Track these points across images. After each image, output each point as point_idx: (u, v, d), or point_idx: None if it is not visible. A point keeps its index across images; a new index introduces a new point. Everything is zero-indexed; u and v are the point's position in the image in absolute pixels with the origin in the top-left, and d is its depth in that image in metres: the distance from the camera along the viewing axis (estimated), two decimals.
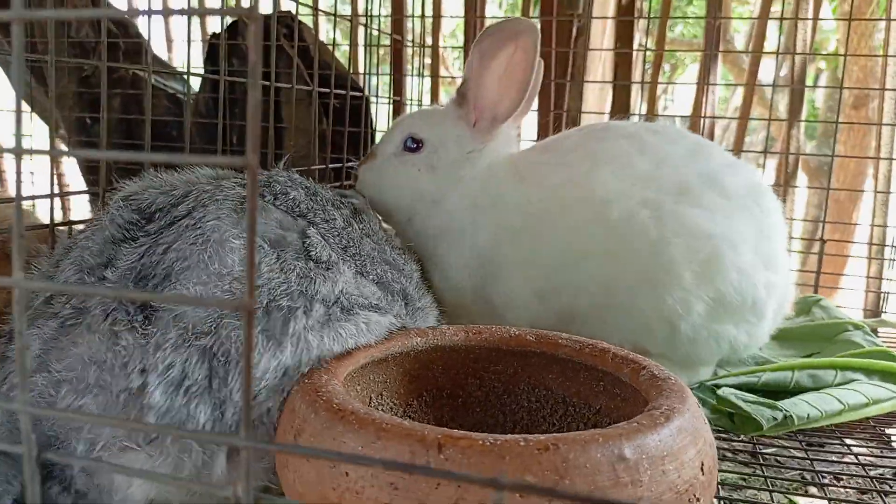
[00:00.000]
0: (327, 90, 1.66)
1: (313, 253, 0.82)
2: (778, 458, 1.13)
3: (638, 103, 2.18)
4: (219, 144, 1.28)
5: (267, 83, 1.43)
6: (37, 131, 2.81)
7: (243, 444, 0.39)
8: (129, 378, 0.71)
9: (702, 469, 0.66)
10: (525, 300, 1.19)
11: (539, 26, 2.10)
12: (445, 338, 0.96)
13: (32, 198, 0.98)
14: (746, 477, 1.06)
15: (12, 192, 0.98)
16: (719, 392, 1.10)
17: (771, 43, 2.19)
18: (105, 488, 0.74)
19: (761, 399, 1.09)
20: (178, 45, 3.11)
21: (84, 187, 2.46)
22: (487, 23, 2.44)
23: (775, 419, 1.06)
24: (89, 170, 2.44)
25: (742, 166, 1.26)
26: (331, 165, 1.68)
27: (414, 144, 1.26)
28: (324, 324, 0.80)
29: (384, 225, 1.27)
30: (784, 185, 2.06)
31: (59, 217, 1.01)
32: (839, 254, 2.65)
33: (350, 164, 1.39)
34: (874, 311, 2.08)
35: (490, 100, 1.23)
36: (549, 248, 1.17)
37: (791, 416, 1.06)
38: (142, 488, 0.74)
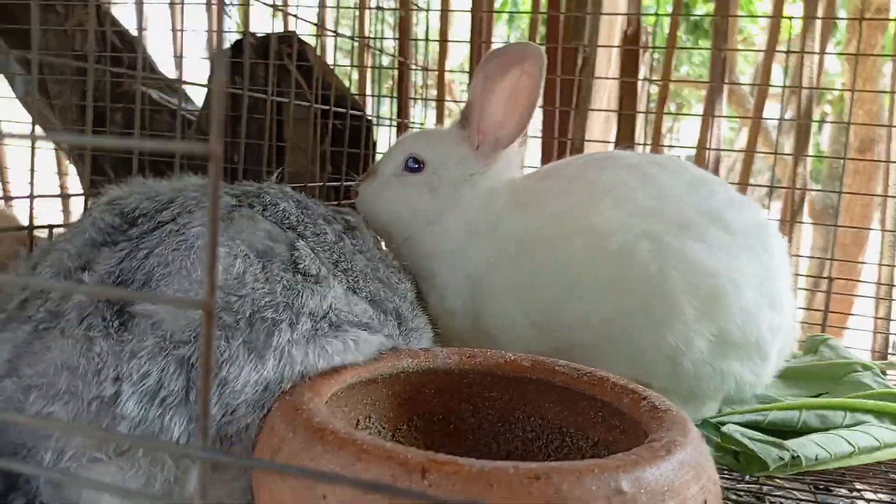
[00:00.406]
0: (327, 108, 1.64)
1: (301, 265, 0.79)
2: (784, 500, 1.08)
3: (643, 134, 2.17)
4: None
5: (261, 95, 1.41)
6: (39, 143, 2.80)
7: (199, 455, 0.35)
8: (102, 386, 0.67)
9: None
10: (520, 328, 1.15)
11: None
12: (438, 360, 0.92)
13: (7, 198, 0.95)
14: None
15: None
16: (724, 429, 1.06)
17: (777, 82, 2.18)
18: (72, 501, 0.70)
19: (768, 438, 1.04)
20: (187, 62, 3.12)
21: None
22: (493, 47, 2.45)
23: (782, 459, 1.01)
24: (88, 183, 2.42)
25: (746, 203, 1.22)
26: (329, 183, 1.65)
27: (416, 165, 1.23)
28: (309, 338, 0.76)
29: (381, 245, 1.24)
30: (790, 220, 2.03)
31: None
32: (847, 293, 2.61)
33: (349, 182, 1.36)
34: (882, 352, 2.04)
35: (494, 123, 1.21)
36: (546, 277, 1.13)
37: (799, 456, 1.01)
38: (111, 502, 0.70)
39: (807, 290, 2.10)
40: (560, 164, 1.32)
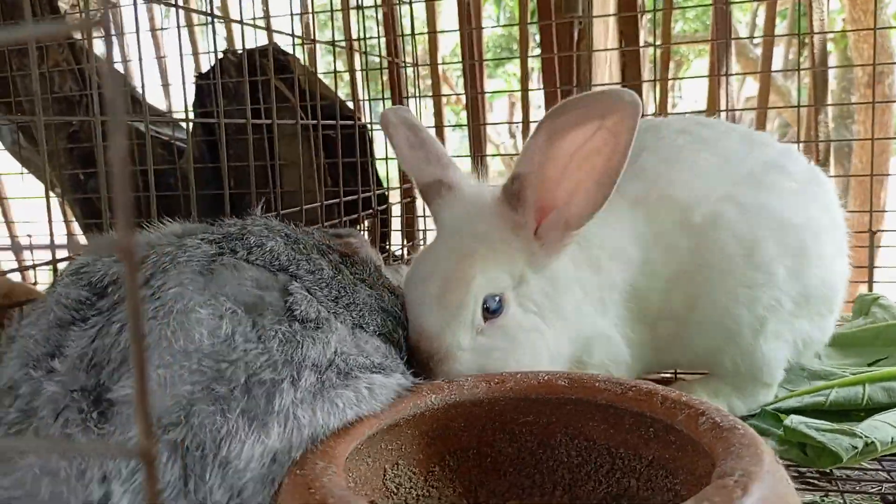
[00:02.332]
0: (314, 122, 1.55)
1: (298, 311, 0.70)
2: (850, 478, 0.99)
3: (651, 102, 2.05)
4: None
5: (257, 121, 1.32)
6: (34, 191, 2.76)
7: None
8: (88, 490, 0.59)
9: None
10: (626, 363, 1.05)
11: (538, 31, 1.99)
12: (465, 391, 0.83)
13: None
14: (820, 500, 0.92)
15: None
16: (787, 422, 0.96)
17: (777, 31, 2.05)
18: None
19: (837, 427, 0.95)
20: (174, 90, 3.04)
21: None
22: (483, 35, 2.34)
23: (855, 448, 0.91)
24: (87, 227, 2.36)
25: (795, 151, 1.17)
26: (327, 202, 1.57)
27: (497, 304, 0.90)
28: (316, 394, 0.68)
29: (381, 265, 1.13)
30: None
31: None
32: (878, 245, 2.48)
33: (347, 198, 1.27)
34: None
35: (557, 198, 0.89)
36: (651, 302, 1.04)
37: (873, 442, 0.92)
38: None
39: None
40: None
